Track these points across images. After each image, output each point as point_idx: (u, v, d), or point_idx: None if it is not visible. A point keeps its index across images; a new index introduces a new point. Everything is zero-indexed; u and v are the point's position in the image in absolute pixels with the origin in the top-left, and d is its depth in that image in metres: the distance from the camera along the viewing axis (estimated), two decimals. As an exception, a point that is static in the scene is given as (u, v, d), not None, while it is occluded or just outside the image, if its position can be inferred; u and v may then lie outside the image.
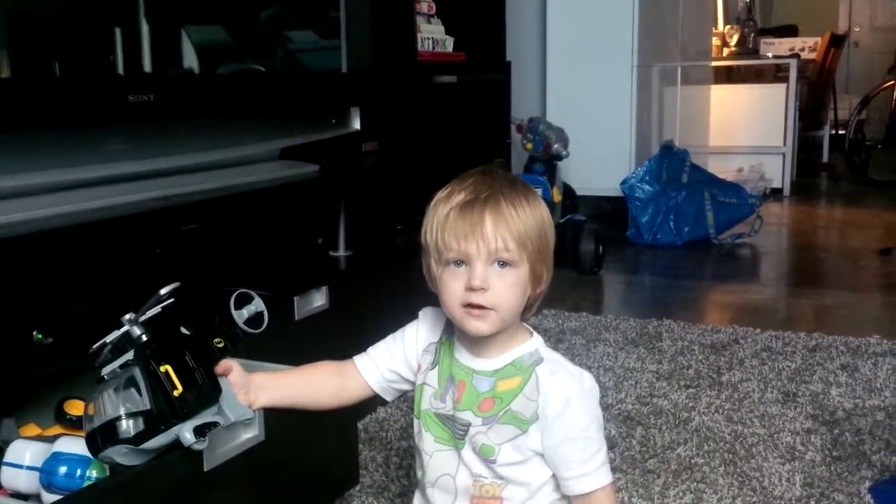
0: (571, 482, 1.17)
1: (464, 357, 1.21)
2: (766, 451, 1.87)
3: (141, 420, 1.15)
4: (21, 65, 1.50)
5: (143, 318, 1.22)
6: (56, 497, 1.20)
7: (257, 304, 1.38)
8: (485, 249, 1.11)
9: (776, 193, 5.64)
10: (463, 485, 1.19)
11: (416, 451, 1.26)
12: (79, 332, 1.30)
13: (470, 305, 1.13)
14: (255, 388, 1.27)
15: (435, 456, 1.21)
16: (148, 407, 1.16)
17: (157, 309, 1.24)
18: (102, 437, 1.16)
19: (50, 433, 1.40)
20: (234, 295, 1.32)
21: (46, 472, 1.22)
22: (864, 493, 1.68)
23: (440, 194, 1.18)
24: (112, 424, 1.15)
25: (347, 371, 1.31)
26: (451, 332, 1.23)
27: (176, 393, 1.17)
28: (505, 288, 1.13)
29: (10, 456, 1.27)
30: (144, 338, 1.20)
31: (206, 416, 1.19)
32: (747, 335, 2.69)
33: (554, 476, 1.18)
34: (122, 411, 1.15)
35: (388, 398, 1.33)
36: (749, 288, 3.58)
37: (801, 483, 1.72)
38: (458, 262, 1.13)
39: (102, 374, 1.20)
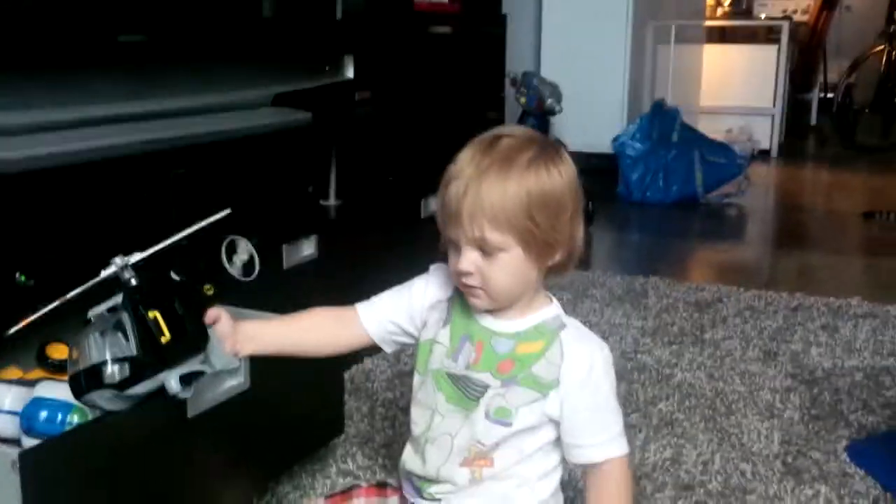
0: (588, 450, 1.15)
1: (482, 317, 1.17)
2: (745, 408, 1.89)
3: (127, 366, 1.13)
4: (7, 3, 1.47)
5: (133, 261, 1.21)
6: (35, 442, 1.17)
7: (249, 250, 1.37)
8: (464, 236, 1.09)
9: (764, 154, 5.66)
10: (459, 445, 1.16)
11: (416, 405, 1.23)
12: (63, 274, 1.29)
13: (465, 284, 1.12)
14: (243, 337, 1.23)
15: (447, 416, 1.17)
16: (134, 353, 1.15)
17: (146, 253, 1.23)
18: (87, 380, 1.14)
19: (32, 377, 1.39)
20: (226, 241, 1.30)
21: (27, 417, 1.20)
22: (840, 452, 1.70)
23: (449, 167, 1.13)
24: (97, 368, 1.14)
25: (346, 317, 1.27)
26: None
27: (163, 340, 1.16)
28: (492, 272, 1.10)
29: None
30: (134, 282, 1.19)
31: (192, 365, 1.17)
32: (731, 294, 2.71)
33: (550, 443, 1.17)
34: (107, 356, 1.14)
35: (388, 349, 1.30)
36: (734, 247, 3.61)
37: (779, 440, 1.75)
38: (453, 243, 1.11)
39: (89, 315, 1.18)
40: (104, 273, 1.19)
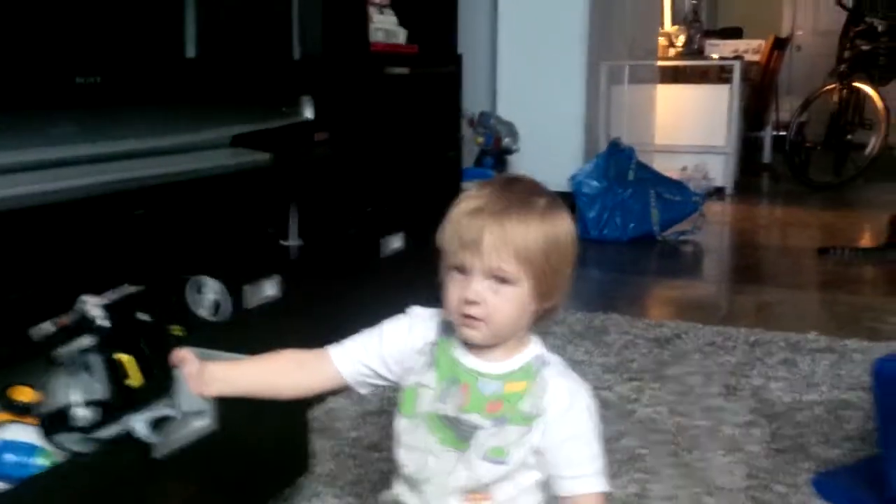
0: (568, 481, 1.16)
1: (467, 359, 1.18)
2: (709, 442, 1.90)
3: (94, 410, 1.15)
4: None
5: (103, 302, 1.20)
6: (3, 485, 1.17)
7: (216, 290, 1.35)
8: (480, 264, 1.10)
9: (719, 192, 5.74)
10: (457, 484, 1.17)
11: (404, 448, 1.21)
12: (24, 318, 1.28)
13: (464, 316, 1.13)
14: (210, 378, 1.22)
15: (441, 457, 1.17)
16: (104, 397, 1.15)
17: (116, 294, 1.22)
18: (52, 423, 1.14)
19: (-4, 421, 1.37)
20: (190, 281, 1.29)
21: (-6, 462, 1.19)
22: (802, 485, 1.72)
23: (462, 195, 1.16)
24: (64, 412, 1.14)
25: (318, 359, 1.26)
26: (448, 332, 1.21)
27: (134, 383, 1.16)
28: (499, 303, 1.12)
29: None
30: (105, 323, 1.18)
31: (159, 409, 1.17)
32: (690, 330, 2.73)
33: (543, 479, 1.18)
34: (74, 398, 1.14)
35: (362, 391, 1.29)
36: (692, 284, 3.64)
37: (744, 474, 1.76)
38: (460, 269, 1.12)
39: (55, 354, 1.17)
40: (73, 312, 1.18)
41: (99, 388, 1.15)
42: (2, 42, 1.49)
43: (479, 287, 1.11)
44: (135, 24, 1.76)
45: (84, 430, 1.14)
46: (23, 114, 1.62)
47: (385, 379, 1.25)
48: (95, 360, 1.15)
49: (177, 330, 1.25)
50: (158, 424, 1.15)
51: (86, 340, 1.17)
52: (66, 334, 1.19)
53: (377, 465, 1.75)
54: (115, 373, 1.15)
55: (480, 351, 1.17)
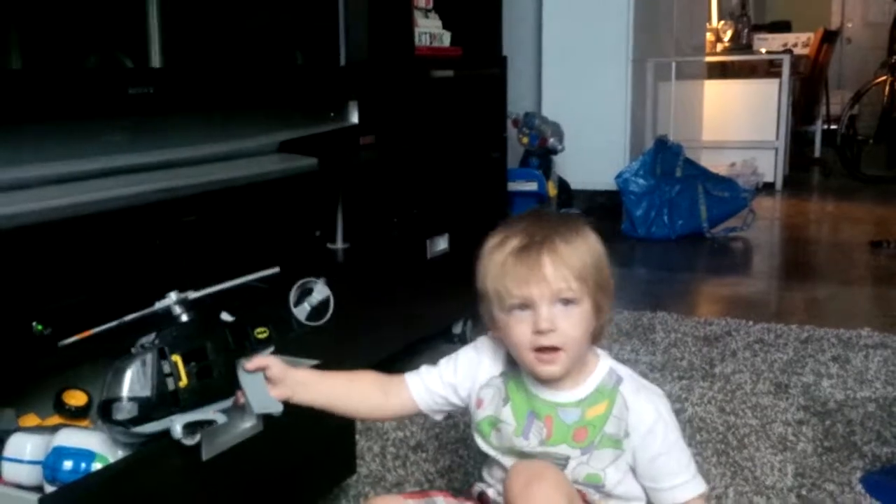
0: (670, 492, 1.19)
1: (541, 391, 1.21)
2: (758, 441, 1.89)
3: (136, 405, 1.17)
4: (23, 57, 1.51)
5: (187, 297, 1.24)
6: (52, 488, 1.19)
7: (324, 294, 1.31)
8: (548, 291, 1.13)
9: (768, 188, 5.68)
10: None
11: (497, 472, 1.25)
12: (78, 322, 1.31)
13: (540, 350, 1.15)
14: (294, 384, 1.26)
15: None
16: (148, 394, 1.18)
17: (200, 293, 1.25)
18: (102, 411, 1.18)
19: (49, 423, 1.41)
20: (299, 283, 1.27)
21: (50, 467, 1.21)
22: (854, 484, 1.70)
23: (492, 241, 1.19)
24: (110, 403, 1.17)
25: (394, 386, 1.30)
26: (515, 365, 1.23)
27: (181, 384, 1.19)
28: (571, 326, 1.14)
29: (9, 451, 1.25)
30: (184, 318, 1.22)
31: (204, 413, 1.20)
32: (740, 327, 2.71)
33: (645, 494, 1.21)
34: (124, 392, 1.17)
35: (437, 417, 1.33)
36: (741, 281, 3.61)
37: (793, 473, 1.75)
38: (523, 307, 1.15)
39: (138, 343, 1.22)
40: (158, 305, 1.22)
41: (146, 386, 1.18)
42: (57, 54, 1.53)
43: (550, 314, 1.13)
44: (184, 36, 1.79)
45: (122, 423, 1.17)
46: (78, 124, 1.66)
47: (457, 406, 1.29)
48: (149, 358, 1.18)
49: (261, 332, 1.27)
50: (196, 427, 1.18)
51: (150, 336, 1.20)
52: (146, 327, 1.23)
53: (422, 466, 1.77)
54: (161, 371, 1.18)
55: (552, 382, 1.19)
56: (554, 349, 1.15)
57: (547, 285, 1.13)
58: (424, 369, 1.31)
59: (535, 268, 1.13)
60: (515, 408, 1.21)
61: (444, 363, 1.30)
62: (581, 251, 1.15)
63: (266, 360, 1.25)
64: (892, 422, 1.99)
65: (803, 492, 1.67)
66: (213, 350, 1.23)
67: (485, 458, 1.28)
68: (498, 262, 1.16)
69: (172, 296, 1.24)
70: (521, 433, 1.20)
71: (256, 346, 1.27)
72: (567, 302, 1.14)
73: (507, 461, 1.21)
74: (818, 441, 1.90)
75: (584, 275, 1.14)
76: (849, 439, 1.91)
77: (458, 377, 1.28)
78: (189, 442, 1.18)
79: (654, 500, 1.20)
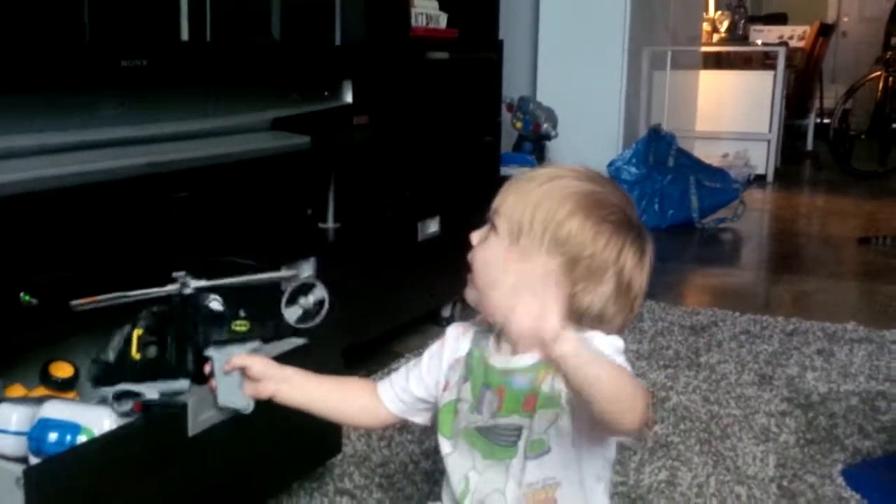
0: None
1: (499, 361, 1.13)
2: (740, 431, 1.90)
3: (101, 368, 1.30)
4: (14, 28, 1.49)
5: (195, 283, 1.28)
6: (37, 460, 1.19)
7: (320, 297, 1.30)
8: (494, 206, 1.11)
9: (760, 180, 5.69)
10: (513, 498, 1.10)
11: (450, 470, 1.16)
12: (65, 294, 1.31)
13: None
14: (278, 382, 1.24)
15: (486, 473, 1.12)
16: (110, 360, 1.29)
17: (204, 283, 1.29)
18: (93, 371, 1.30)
19: (35, 394, 1.41)
20: (295, 284, 1.27)
21: (35, 439, 1.21)
22: (835, 476, 1.72)
23: None
24: (93, 360, 1.31)
25: (371, 399, 1.26)
26: (480, 341, 1.17)
27: (133, 356, 1.27)
28: (479, 251, 1.12)
29: None
30: (186, 292, 1.28)
31: (136, 386, 1.24)
32: (726, 318, 2.73)
33: (605, 477, 1.12)
34: (101, 355, 1.30)
35: (417, 420, 1.26)
36: (730, 272, 3.62)
37: (775, 464, 1.76)
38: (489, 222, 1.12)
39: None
40: (169, 287, 1.29)
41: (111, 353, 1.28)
42: (49, 25, 1.52)
43: (483, 231, 1.12)
44: (179, 10, 1.78)
45: (93, 381, 1.28)
46: (69, 95, 1.65)
47: (428, 402, 1.23)
48: (126, 328, 1.27)
49: (240, 325, 1.27)
50: (122, 397, 1.23)
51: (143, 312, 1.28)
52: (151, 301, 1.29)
53: (407, 448, 1.77)
54: (128, 342, 1.27)
55: (510, 346, 1.12)
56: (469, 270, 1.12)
57: (498, 200, 1.11)
58: (394, 373, 1.27)
59: (514, 182, 1.11)
60: (473, 383, 1.15)
61: (414, 361, 1.26)
62: (549, 194, 1.08)
63: (245, 359, 1.24)
64: (875, 416, 2.01)
65: (784, 482, 1.68)
66: (173, 333, 1.27)
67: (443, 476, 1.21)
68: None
69: (178, 275, 1.29)
70: (475, 408, 1.13)
71: (232, 338, 1.27)
72: (492, 228, 1.10)
73: (463, 450, 1.14)
74: (800, 433, 1.91)
75: (529, 223, 1.07)
76: (831, 432, 1.92)
77: (423, 373, 1.22)
78: (119, 409, 1.22)
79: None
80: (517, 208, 1.09)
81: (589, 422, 1.02)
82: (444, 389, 1.19)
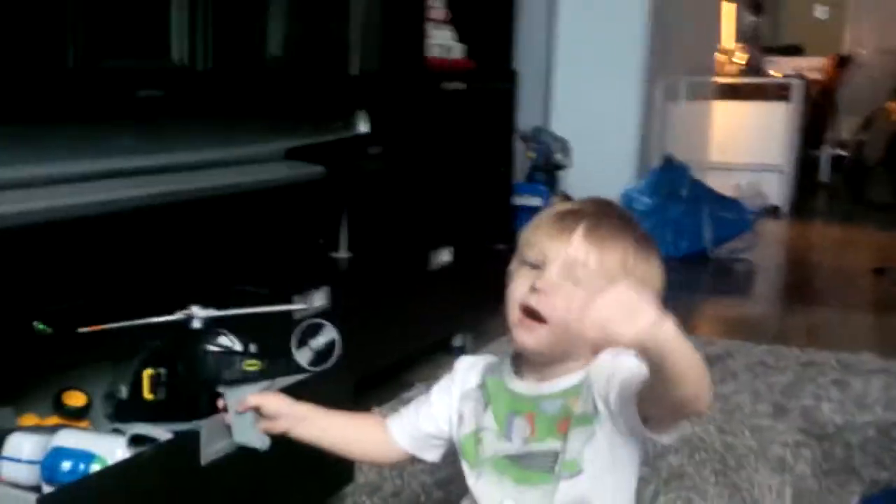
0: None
1: (524, 388, 1.12)
2: (756, 462, 1.89)
3: (113, 404, 1.34)
4: (31, 58, 1.51)
5: (200, 313, 1.28)
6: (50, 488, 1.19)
7: (331, 337, 1.29)
8: (563, 254, 1.06)
9: (774, 211, 5.67)
10: None
11: (479, 499, 1.14)
12: (79, 323, 1.32)
13: (525, 311, 1.07)
14: (294, 419, 1.23)
15: (522, 499, 1.10)
16: (124, 397, 1.31)
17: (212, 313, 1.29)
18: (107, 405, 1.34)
19: (48, 423, 1.41)
20: (305, 323, 1.25)
21: (48, 468, 1.21)
22: (851, 507, 1.70)
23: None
24: (106, 394, 1.33)
25: (383, 434, 1.24)
26: (495, 370, 1.17)
27: (145, 397, 1.27)
28: (568, 304, 1.04)
29: (8, 450, 1.25)
30: (196, 325, 1.27)
31: (146, 428, 1.24)
32: (741, 349, 2.71)
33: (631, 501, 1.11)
34: (112, 389, 1.33)
35: (429, 457, 1.24)
36: (743, 303, 3.61)
37: (791, 496, 1.74)
38: (534, 265, 1.08)
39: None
40: (176, 315, 1.28)
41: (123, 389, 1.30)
42: (65, 55, 1.54)
43: (553, 280, 1.06)
44: (195, 40, 1.80)
45: (108, 417, 1.31)
46: (83, 125, 1.66)
47: (440, 437, 1.21)
48: (135, 363, 1.28)
49: (252, 365, 1.26)
50: (140, 441, 1.22)
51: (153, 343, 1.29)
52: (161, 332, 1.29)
53: (419, 478, 1.76)
54: (136, 382, 1.28)
55: (537, 374, 1.12)
56: (539, 319, 1.06)
57: (566, 248, 1.05)
58: (404, 408, 1.26)
59: (566, 230, 1.06)
60: (496, 410, 1.13)
61: (425, 395, 1.24)
62: (623, 246, 1.07)
63: (259, 399, 1.23)
64: (891, 446, 1.99)
65: (800, 515, 1.67)
66: (183, 373, 1.27)
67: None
68: (541, 216, 1.11)
69: (194, 309, 1.28)
70: (503, 435, 1.11)
71: (243, 378, 1.25)
72: (578, 282, 1.05)
73: (491, 479, 1.13)
74: (816, 464, 1.89)
75: (613, 272, 1.05)
76: (847, 463, 1.90)
77: (432, 404, 1.21)
78: (132, 451, 1.22)
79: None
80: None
81: (658, 406, 0.99)
82: (460, 424, 1.18)
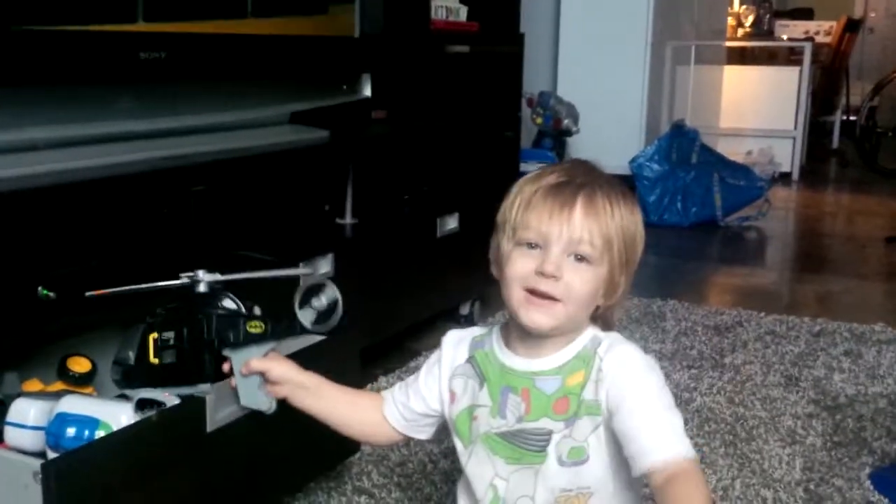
0: (649, 455, 0.99)
1: (517, 362, 1.10)
2: (766, 433, 1.87)
3: (121, 370, 1.35)
4: (32, 18, 1.48)
5: (205, 277, 1.26)
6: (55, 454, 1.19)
7: (332, 298, 1.26)
8: (566, 236, 1.03)
9: (785, 177, 5.62)
10: (543, 502, 1.08)
11: (471, 478, 1.13)
12: (83, 288, 1.30)
13: (533, 292, 1.05)
14: (295, 387, 1.21)
15: (512, 479, 1.09)
16: (131, 363, 1.32)
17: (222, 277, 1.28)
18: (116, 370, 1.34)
19: (53, 389, 1.40)
20: (306, 285, 1.23)
21: (53, 434, 1.20)
22: (863, 479, 1.68)
23: (528, 175, 1.10)
24: (114, 360, 1.34)
25: (378, 415, 1.22)
26: (484, 343, 1.15)
27: (151, 362, 1.27)
28: (580, 282, 1.04)
29: (13, 416, 1.24)
30: (201, 288, 1.26)
31: (155, 393, 1.24)
32: (751, 318, 2.68)
33: (638, 484, 1.09)
34: (120, 354, 1.33)
35: (421, 436, 1.23)
36: (754, 271, 3.57)
37: (801, 467, 1.72)
38: (533, 245, 1.05)
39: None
40: (181, 280, 1.27)
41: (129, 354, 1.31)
42: (66, 16, 1.51)
43: (559, 260, 1.03)
44: (198, 2, 1.76)
45: (116, 383, 1.32)
46: (86, 88, 1.63)
47: (432, 416, 1.20)
48: (140, 330, 1.28)
49: (255, 327, 1.23)
50: (145, 406, 1.21)
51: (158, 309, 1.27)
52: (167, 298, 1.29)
53: (425, 447, 1.74)
54: (142, 346, 1.27)
55: (530, 349, 1.10)
56: (552, 299, 1.04)
57: (569, 229, 1.03)
58: (397, 388, 1.23)
59: (565, 208, 1.03)
60: (491, 386, 1.11)
61: (414, 375, 1.22)
62: (619, 215, 1.05)
63: (264, 363, 1.21)
64: (904, 419, 1.96)
65: (811, 486, 1.65)
66: (189, 337, 1.25)
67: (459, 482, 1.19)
68: (527, 193, 1.06)
69: (200, 274, 1.27)
70: (497, 412, 1.10)
71: (247, 340, 1.23)
72: (581, 259, 1.04)
73: (482, 457, 1.11)
74: (827, 435, 1.87)
75: (612, 239, 1.04)
76: (859, 435, 1.88)
77: (420, 384, 1.19)
78: (138, 416, 1.21)
79: (636, 469, 1.00)
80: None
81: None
82: (452, 401, 1.16)
